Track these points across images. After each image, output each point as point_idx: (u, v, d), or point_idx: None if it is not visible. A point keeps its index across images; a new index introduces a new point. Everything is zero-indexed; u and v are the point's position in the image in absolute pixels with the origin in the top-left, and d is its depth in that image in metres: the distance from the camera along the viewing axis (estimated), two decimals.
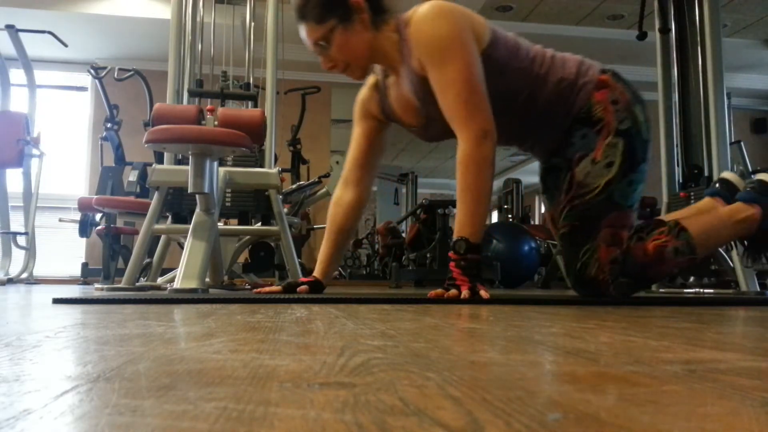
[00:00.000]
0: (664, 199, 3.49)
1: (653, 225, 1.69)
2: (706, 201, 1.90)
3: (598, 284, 1.62)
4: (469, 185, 1.56)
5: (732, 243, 1.90)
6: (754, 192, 1.80)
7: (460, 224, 1.56)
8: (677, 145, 3.39)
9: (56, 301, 1.41)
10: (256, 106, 3.36)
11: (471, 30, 1.59)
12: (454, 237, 1.56)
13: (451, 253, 1.56)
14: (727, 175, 1.95)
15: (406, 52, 1.64)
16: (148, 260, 3.17)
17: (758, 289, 2.65)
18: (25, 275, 5.05)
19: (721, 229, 1.75)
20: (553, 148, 1.76)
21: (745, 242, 1.84)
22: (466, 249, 1.53)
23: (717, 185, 1.91)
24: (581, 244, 1.61)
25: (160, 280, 3.08)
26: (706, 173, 3.05)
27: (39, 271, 5.49)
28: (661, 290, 3.13)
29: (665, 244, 1.64)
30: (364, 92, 1.85)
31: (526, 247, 5.54)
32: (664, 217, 1.85)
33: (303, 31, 1.69)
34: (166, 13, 5.43)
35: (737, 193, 1.84)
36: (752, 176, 4.11)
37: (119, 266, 4.71)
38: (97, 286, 3.26)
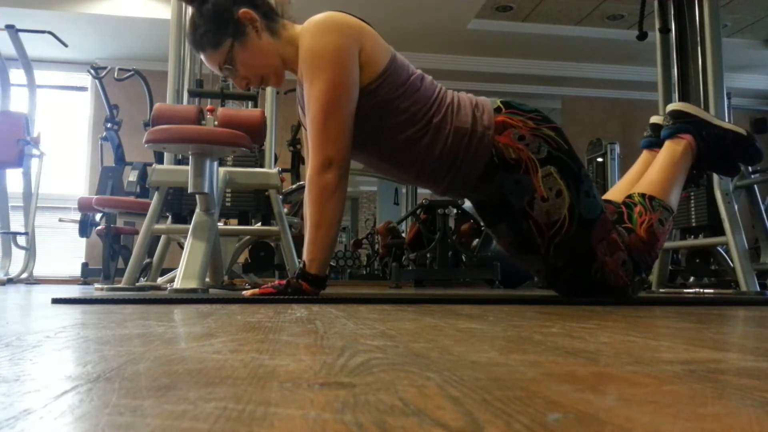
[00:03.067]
0: None
1: (625, 210, 1.68)
2: (644, 155, 1.91)
3: (620, 289, 1.63)
4: (310, 213, 1.55)
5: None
6: (672, 126, 1.80)
7: (304, 249, 1.57)
8: None
9: (55, 301, 1.41)
10: (256, 106, 3.36)
11: (357, 49, 1.55)
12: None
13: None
14: (654, 119, 1.94)
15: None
16: (148, 260, 3.17)
17: (758, 289, 2.65)
18: (25, 275, 5.05)
19: (674, 174, 1.75)
20: (477, 193, 1.71)
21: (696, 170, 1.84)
22: (299, 273, 1.56)
23: (649, 132, 1.91)
24: (586, 269, 1.60)
25: (160, 280, 3.08)
26: (705, 177, 3.05)
27: (39, 271, 5.49)
28: (661, 290, 3.13)
29: (651, 222, 1.64)
30: None
31: None
32: (614, 193, 1.83)
33: (205, 60, 1.67)
34: (166, 13, 5.43)
35: (662, 134, 1.84)
36: (750, 174, 4.10)
37: (119, 266, 4.71)
38: (97, 286, 3.26)
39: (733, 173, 1.93)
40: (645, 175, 1.79)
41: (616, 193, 1.82)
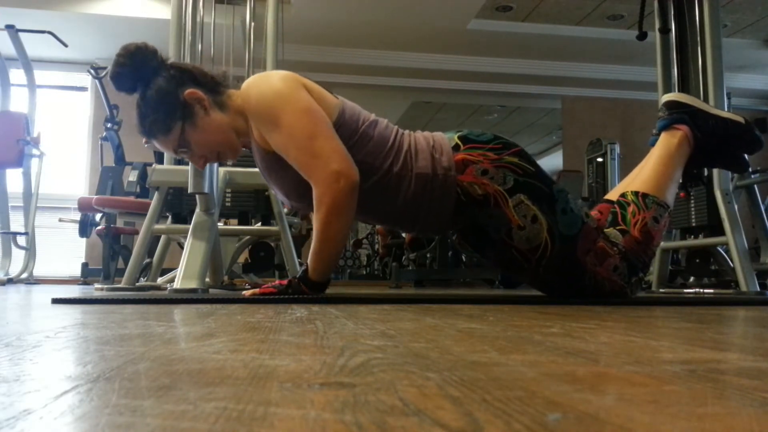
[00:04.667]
0: None
1: (619, 210, 1.67)
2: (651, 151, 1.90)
3: (617, 293, 1.62)
4: (318, 227, 1.50)
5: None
6: (667, 117, 1.78)
7: (309, 256, 1.54)
8: None
9: (55, 301, 1.41)
10: None
11: (305, 91, 1.52)
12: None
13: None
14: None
15: (250, 125, 1.58)
16: (148, 260, 3.17)
17: (758, 289, 2.65)
18: (25, 275, 5.05)
19: (669, 168, 1.72)
20: (456, 227, 1.68)
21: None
22: (300, 275, 1.54)
23: (656, 129, 1.89)
24: (579, 280, 1.60)
25: (160, 280, 3.08)
26: (705, 173, 3.06)
27: (39, 271, 5.49)
28: (661, 290, 3.13)
29: (644, 221, 1.63)
30: None
31: None
32: (613, 194, 1.80)
33: (158, 146, 1.63)
34: (166, 13, 5.43)
35: (657, 127, 1.81)
36: (752, 174, 4.10)
37: (119, 266, 4.71)
38: (97, 286, 3.26)
39: (738, 168, 1.89)
40: (640, 172, 1.77)
41: (618, 190, 1.80)
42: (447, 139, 1.62)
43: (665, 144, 1.75)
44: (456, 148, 1.60)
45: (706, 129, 1.75)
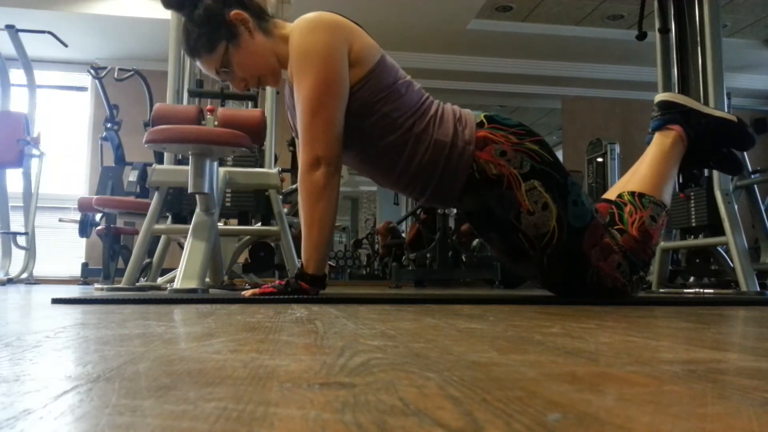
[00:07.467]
0: None
1: (616, 210, 1.67)
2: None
3: (618, 291, 1.62)
4: (303, 212, 1.55)
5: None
6: (660, 117, 1.79)
7: (302, 250, 1.56)
8: None
9: (55, 301, 1.41)
10: (256, 106, 3.36)
11: (347, 48, 1.54)
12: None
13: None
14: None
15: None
16: (148, 260, 3.17)
17: (758, 289, 2.65)
18: (25, 275, 5.05)
19: (664, 167, 1.73)
20: (464, 204, 1.68)
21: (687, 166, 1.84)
22: (297, 273, 1.56)
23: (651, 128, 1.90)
24: (582, 274, 1.60)
25: (160, 280, 3.08)
26: (705, 173, 3.05)
27: (39, 271, 5.49)
28: (661, 290, 3.12)
29: (642, 220, 1.63)
30: None
31: None
32: (610, 194, 1.80)
33: (201, 66, 1.66)
34: (166, 13, 5.42)
35: (651, 127, 1.82)
36: (751, 174, 4.10)
37: (119, 266, 4.71)
38: (97, 286, 3.27)
39: (732, 169, 1.90)
40: (636, 172, 1.78)
41: (616, 190, 1.81)
42: (473, 115, 1.64)
43: (659, 144, 1.76)
44: (480, 125, 1.61)
45: (698, 128, 1.76)
